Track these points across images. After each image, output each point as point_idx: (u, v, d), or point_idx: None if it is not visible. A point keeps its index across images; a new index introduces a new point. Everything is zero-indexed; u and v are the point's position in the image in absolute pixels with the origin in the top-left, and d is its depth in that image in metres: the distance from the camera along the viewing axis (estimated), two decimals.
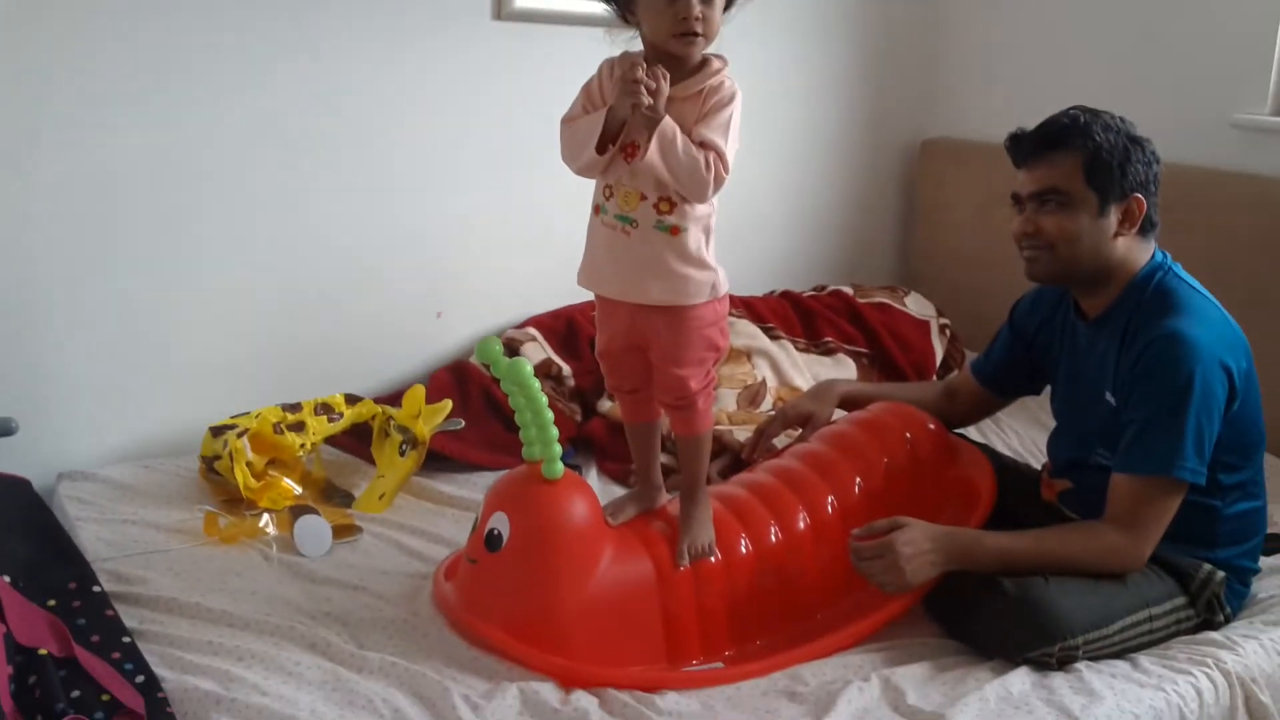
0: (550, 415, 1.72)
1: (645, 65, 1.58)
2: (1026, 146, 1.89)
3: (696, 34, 1.61)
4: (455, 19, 2.59)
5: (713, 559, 1.78)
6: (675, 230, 1.66)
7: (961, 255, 3.23)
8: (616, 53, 1.70)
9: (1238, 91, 2.66)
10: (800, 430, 2.17)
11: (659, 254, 1.67)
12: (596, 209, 1.73)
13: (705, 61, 1.67)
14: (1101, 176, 1.82)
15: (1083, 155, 1.82)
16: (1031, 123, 1.91)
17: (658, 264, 1.68)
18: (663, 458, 1.93)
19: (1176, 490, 1.77)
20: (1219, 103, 2.68)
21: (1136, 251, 1.88)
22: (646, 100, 1.56)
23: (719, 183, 1.63)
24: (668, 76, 1.60)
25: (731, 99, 1.64)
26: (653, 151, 1.59)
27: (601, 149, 1.62)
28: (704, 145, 1.61)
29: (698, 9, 1.60)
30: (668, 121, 1.59)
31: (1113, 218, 1.84)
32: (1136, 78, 2.84)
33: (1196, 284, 1.89)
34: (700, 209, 1.68)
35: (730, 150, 1.63)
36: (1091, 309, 1.93)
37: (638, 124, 1.60)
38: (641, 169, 1.61)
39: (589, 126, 1.63)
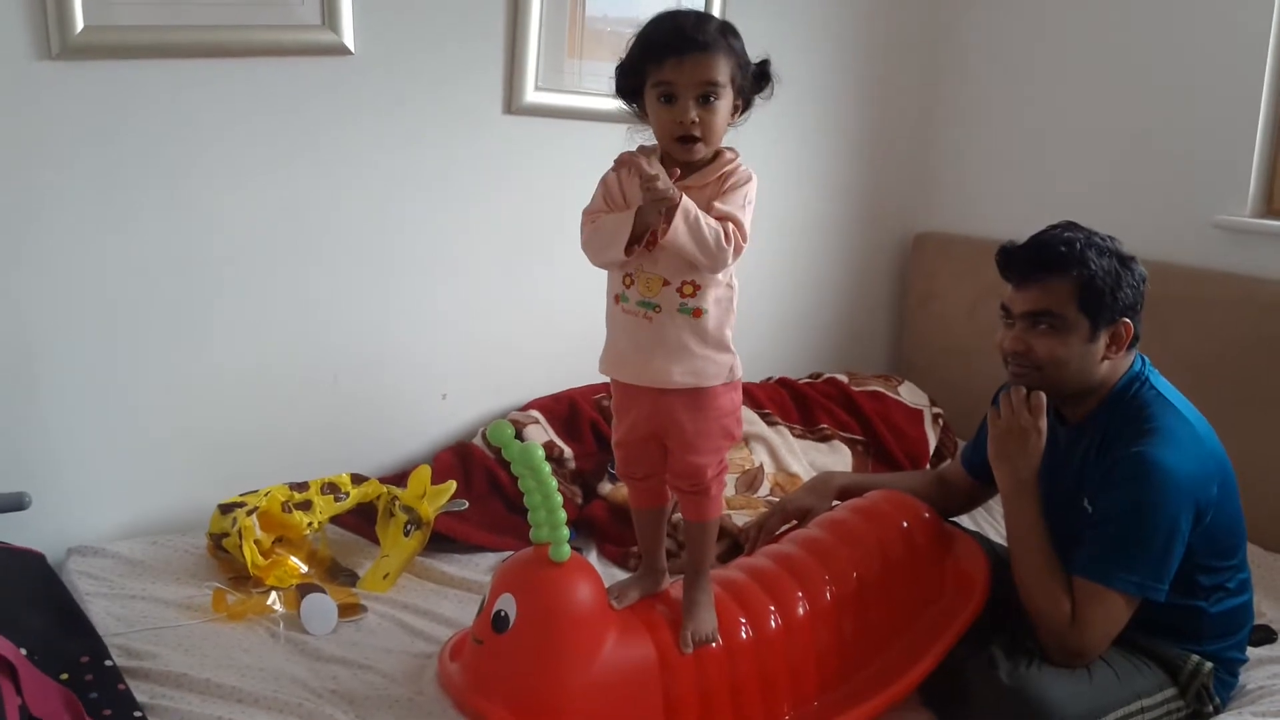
0: (559, 499, 1.75)
1: (647, 160, 1.62)
2: (1019, 266, 1.90)
3: (695, 138, 1.68)
4: (468, 113, 2.68)
5: (714, 645, 1.81)
6: (698, 313, 1.72)
7: (953, 346, 3.29)
8: (633, 147, 1.75)
9: (1219, 193, 2.75)
10: (797, 524, 2.20)
11: (682, 337, 1.72)
12: (616, 298, 1.77)
13: (719, 153, 1.74)
14: (1094, 303, 1.84)
15: (1077, 282, 1.84)
16: (1021, 223, 1.95)
17: (680, 347, 1.73)
18: (665, 542, 1.97)
19: (1118, 599, 1.79)
20: (1201, 204, 2.77)
21: (1120, 366, 1.91)
22: (674, 195, 1.61)
23: (738, 251, 1.68)
24: (678, 173, 1.66)
25: (748, 180, 1.72)
26: (679, 228, 1.63)
27: (629, 250, 1.68)
28: (722, 218, 1.67)
29: (693, 114, 1.66)
30: (686, 200, 1.64)
31: (1102, 341, 1.86)
32: (1122, 179, 2.94)
33: (1172, 393, 1.91)
34: (720, 291, 1.74)
35: (747, 223, 1.70)
36: (1071, 416, 1.96)
37: (655, 214, 1.64)
38: (667, 245, 1.65)
39: (614, 226, 1.69)
